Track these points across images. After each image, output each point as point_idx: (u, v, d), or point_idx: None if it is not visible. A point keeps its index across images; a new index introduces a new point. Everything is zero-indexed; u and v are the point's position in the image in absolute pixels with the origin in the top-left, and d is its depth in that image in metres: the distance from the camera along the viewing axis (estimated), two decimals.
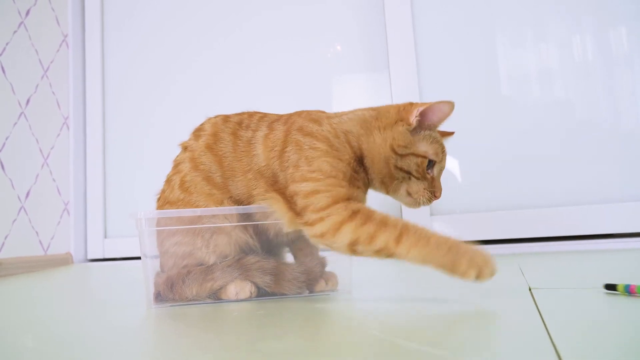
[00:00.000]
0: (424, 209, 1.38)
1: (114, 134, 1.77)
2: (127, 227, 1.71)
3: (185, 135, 0.84)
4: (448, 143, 0.77)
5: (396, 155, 0.69)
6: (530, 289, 0.69)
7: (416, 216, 1.37)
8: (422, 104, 0.70)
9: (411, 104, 0.72)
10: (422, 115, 0.70)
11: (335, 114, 0.78)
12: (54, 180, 1.63)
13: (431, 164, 0.70)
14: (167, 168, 0.83)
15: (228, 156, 0.77)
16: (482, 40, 1.42)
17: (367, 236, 0.62)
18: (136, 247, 0.76)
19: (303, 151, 0.71)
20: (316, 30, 1.59)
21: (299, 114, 0.79)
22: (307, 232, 0.68)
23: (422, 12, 1.46)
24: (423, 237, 0.60)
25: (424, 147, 0.70)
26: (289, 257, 0.81)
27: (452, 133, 0.78)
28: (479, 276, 0.58)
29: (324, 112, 0.80)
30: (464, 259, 0.58)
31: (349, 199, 0.67)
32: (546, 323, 0.49)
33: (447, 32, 1.45)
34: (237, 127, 0.79)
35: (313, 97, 1.58)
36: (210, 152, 0.78)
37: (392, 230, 0.61)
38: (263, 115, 0.81)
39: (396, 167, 0.70)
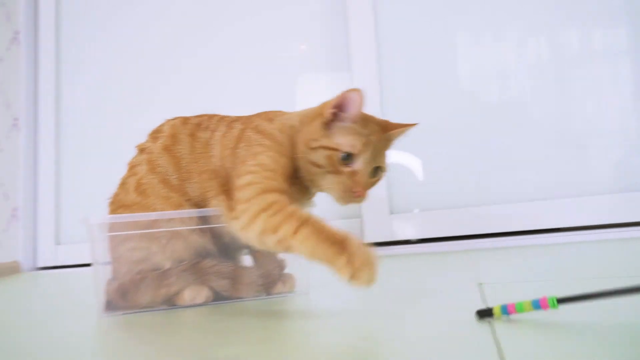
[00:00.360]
0: (383, 207, 1.40)
1: (68, 136, 1.70)
2: (82, 232, 1.64)
3: (142, 138, 0.81)
4: (407, 137, 0.75)
5: (309, 150, 0.69)
6: (480, 284, 0.72)
7: (375, 215, 1.39)
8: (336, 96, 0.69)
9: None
10: (337, 107, 0.69)
11: (294, 112, 0.78)
12: (1, 184, 1.54)
13: (350, 157, 0.67)
14: (124, 171, 0.80)
15: (185, 158, 0.76)
16: (443, 40, 1.46)
17: (272, 226, 0.61)
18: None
19: (252, 147, 0.70)
20: (281, 31, 1.59)
21: (258, 114, 0.78)
22: (234, 226, 0.66)
23: (384, 14, 1.49)
24: (316, 231, 0.59)
25: (338, 140, 0.67)
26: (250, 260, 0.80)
27: (411, 125, 0.74)
28: (353, 277, 0.56)
29: (282, 112, 0.79)
30: (344, 256, 0.56)
31: (278, 191, 0.65)
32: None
33: (408, 33, 1.48)
34: (196, 128, 0.78)
35: (278, 97, 1.57)
36: (168, 154, 0.76)
37: (295, 222, 0.60)
38: (223, 117, 0.81)
39: (310, 162, 0.69)
